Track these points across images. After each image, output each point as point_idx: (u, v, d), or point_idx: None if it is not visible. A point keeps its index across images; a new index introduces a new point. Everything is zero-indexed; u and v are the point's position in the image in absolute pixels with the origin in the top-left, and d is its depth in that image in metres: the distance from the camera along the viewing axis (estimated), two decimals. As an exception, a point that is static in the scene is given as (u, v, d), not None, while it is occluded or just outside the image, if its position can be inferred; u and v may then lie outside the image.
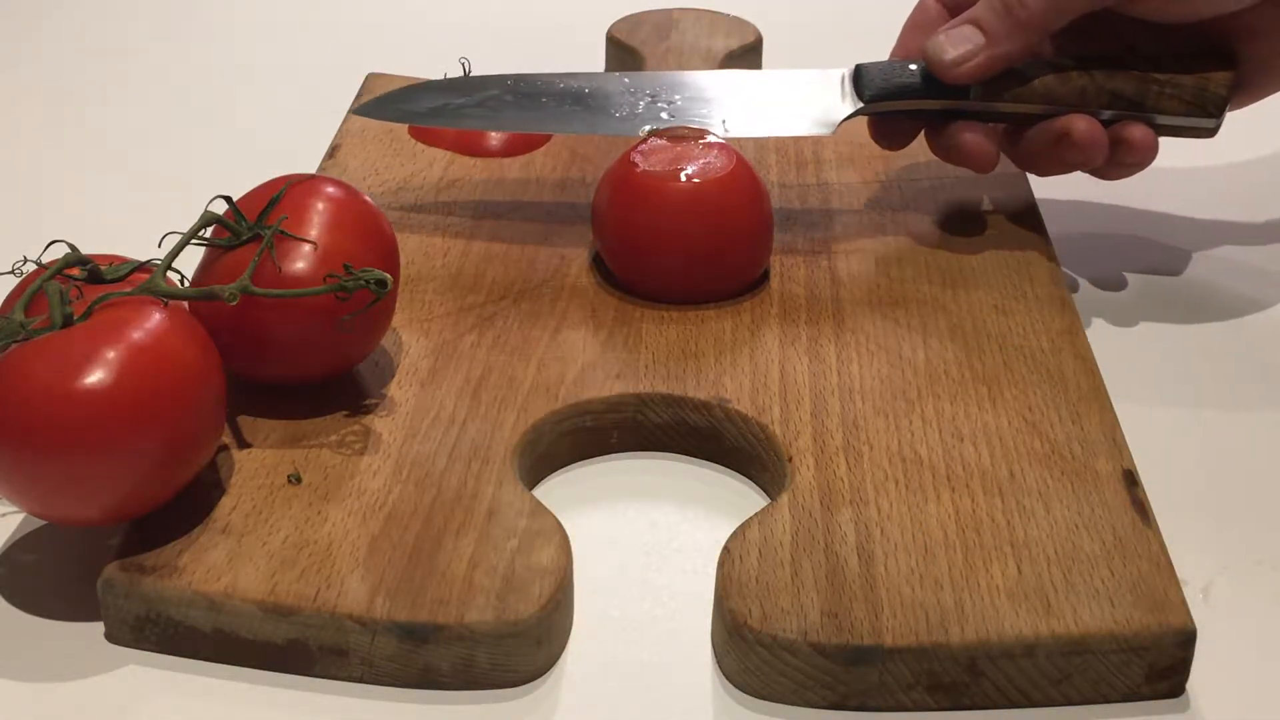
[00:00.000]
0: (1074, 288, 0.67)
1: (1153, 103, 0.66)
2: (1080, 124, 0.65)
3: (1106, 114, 0.66)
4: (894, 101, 0.68)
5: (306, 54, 0.95)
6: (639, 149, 0.66)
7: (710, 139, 0.66)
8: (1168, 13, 0.65)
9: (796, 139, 0.77)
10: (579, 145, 0.76)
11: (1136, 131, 0.66)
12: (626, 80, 0.70)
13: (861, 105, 0.68)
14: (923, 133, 0.70)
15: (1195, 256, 0.74)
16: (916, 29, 0.71)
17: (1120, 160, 0.66)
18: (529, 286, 0.66)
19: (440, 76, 0.80)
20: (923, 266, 0.68)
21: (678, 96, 0.69)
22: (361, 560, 0.51)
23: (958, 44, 0.66)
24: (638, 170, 0.65)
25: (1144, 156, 0.66)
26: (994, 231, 0.70)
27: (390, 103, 0.70)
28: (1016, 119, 0.67)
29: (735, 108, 0.69)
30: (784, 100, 0.69)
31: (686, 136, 0.66)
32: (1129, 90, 0.66)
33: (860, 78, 0.68)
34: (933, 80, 0.67)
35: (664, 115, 0.68)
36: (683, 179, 0.64)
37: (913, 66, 0.67)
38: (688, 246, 0.64)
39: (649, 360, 0.61)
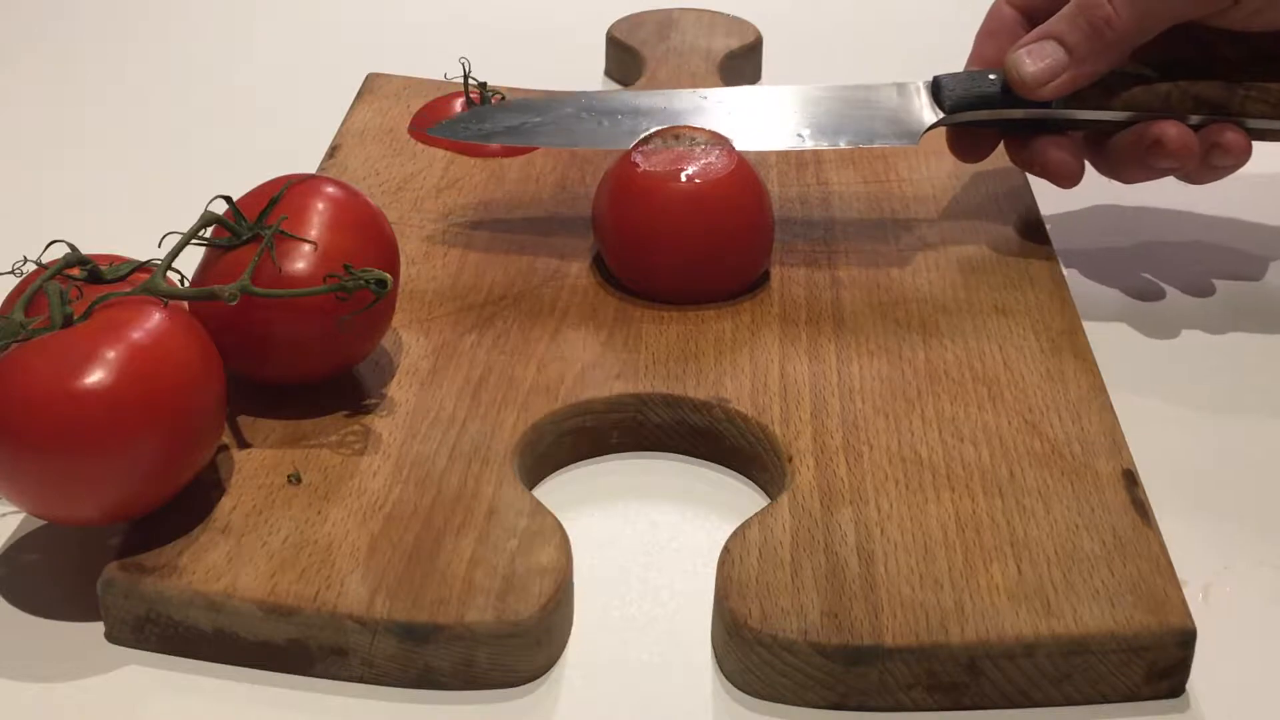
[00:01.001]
0: (1074, 288, 0.67)
1: (1238, 107, 0.65)
2: (1171, 130, 0.65)
3: (1194, 119, 0.65)
4: (975, 111, 0.67)
5: (306, 54, 0.95)
6: (639, 149, 0.65)
7: (705, 140, 0.66)
8: (1251, 23, 0.65)
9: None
10: (579, 145, 0.76)
11: (1230, 135, 0.65)
12: (702, 96, 0.69)
13: (943, 115, 0.67)
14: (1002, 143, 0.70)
15: (1195, 257, 0.74)
16: (992, 36, 0.70)
17: (1213, 164, 0.66)
18: (529, 286, 0.66)
19: (440, 77, 0.81)
20: (923, 266, 0.68)
21: (754, 110, 0.68)
22: (361, 560, 0.51)
23: (1040, 61, 0.65)
24: (638, 171, 0.65)
25: (1239, 159, 0.66)
26: (994, 231, 0.71)
27: (465, 122, 0.70)
28: (1099, 126, 0.67)
29: (813, 120, 0.68)
30: (862, 112, 0.68)
31: (686, 136, 0.66)
32: (1214, 96, 0.65)
33: (939, 88, 0.67)
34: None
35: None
36: (683, 179, 0.64)
37: (992, 76, 0.67)
38: (688, 247, 0.64)
39: (649, 360, 0.61)
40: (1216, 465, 0.61)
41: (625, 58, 0.89)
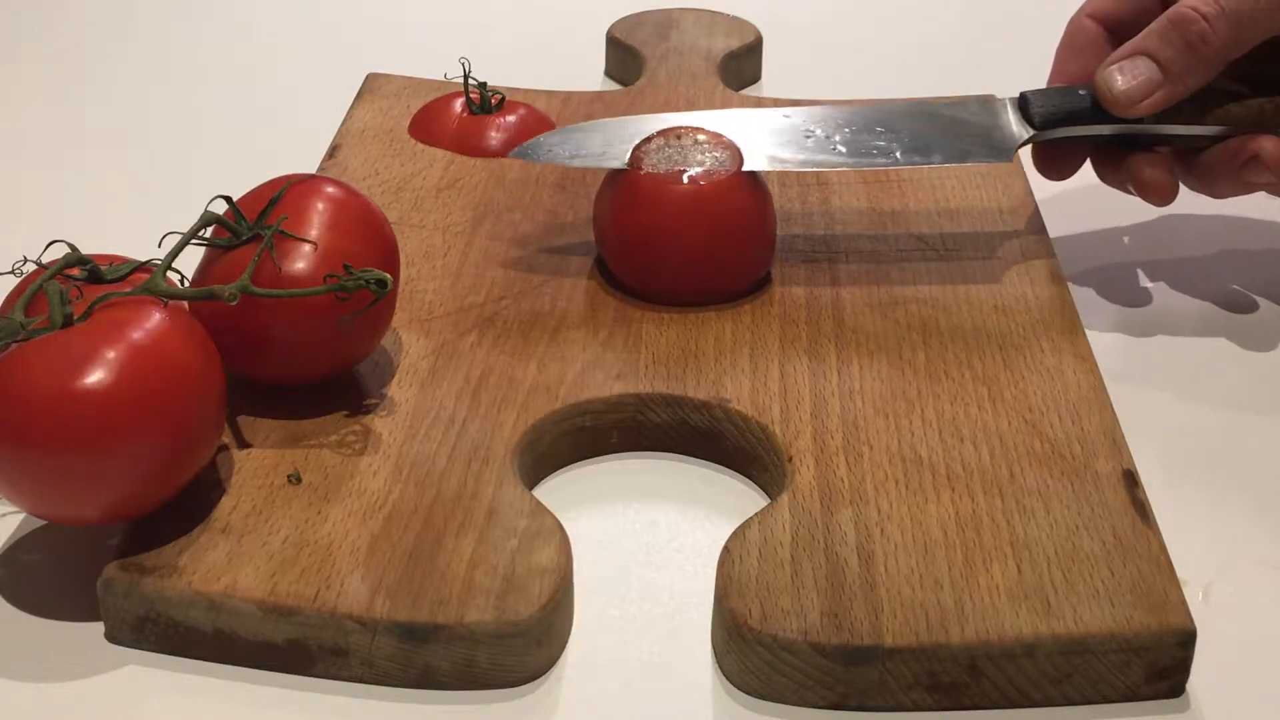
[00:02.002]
0: (1074, 288, 0.67)
1: None
2: (1269, 145, 0.64)
3: None
4: (1065, 128, 0.66)
5: (306, 54, 0.95)
6: (641, 150, 0.65)
7: (707, 140, 0.66)
8: None
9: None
10: (579, 145, 0.76)
11: None
12: (786, 115, 0.68)
13: (1034, 131, 0.66)
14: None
15: (1195, 256, 0.74)
16: (1074, 51, 0.69)
17: None
18: (529, 286, 0.66)
19: (440, 77, 0.81)
20: (923, 266, 0.68)
21: (846, 128, 0.67)
22: (361, 560, 0.51)
23: (1133, 78, 0.64)
24: (641, 173, 0.64)
25: None
26: (994, 232, 0.70)
27: (548, 145, 0.68)
28: (1190, 141, 0.66)
29: (906, 137, 0.67)
30: (950, 130, 0.67)
31: (688, 136, 0.66)
32: None
33: (1027, 104, 0.67)
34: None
35: (840, 149, 0.66)
36: (686, 181, 0.64)
37: (1082, 91, 0.66)
38: (692, 249, 0.64)
39: (649, 360, 0.61)
40: (1216, 465, 0.61)
41: (625, 58, 0.89)
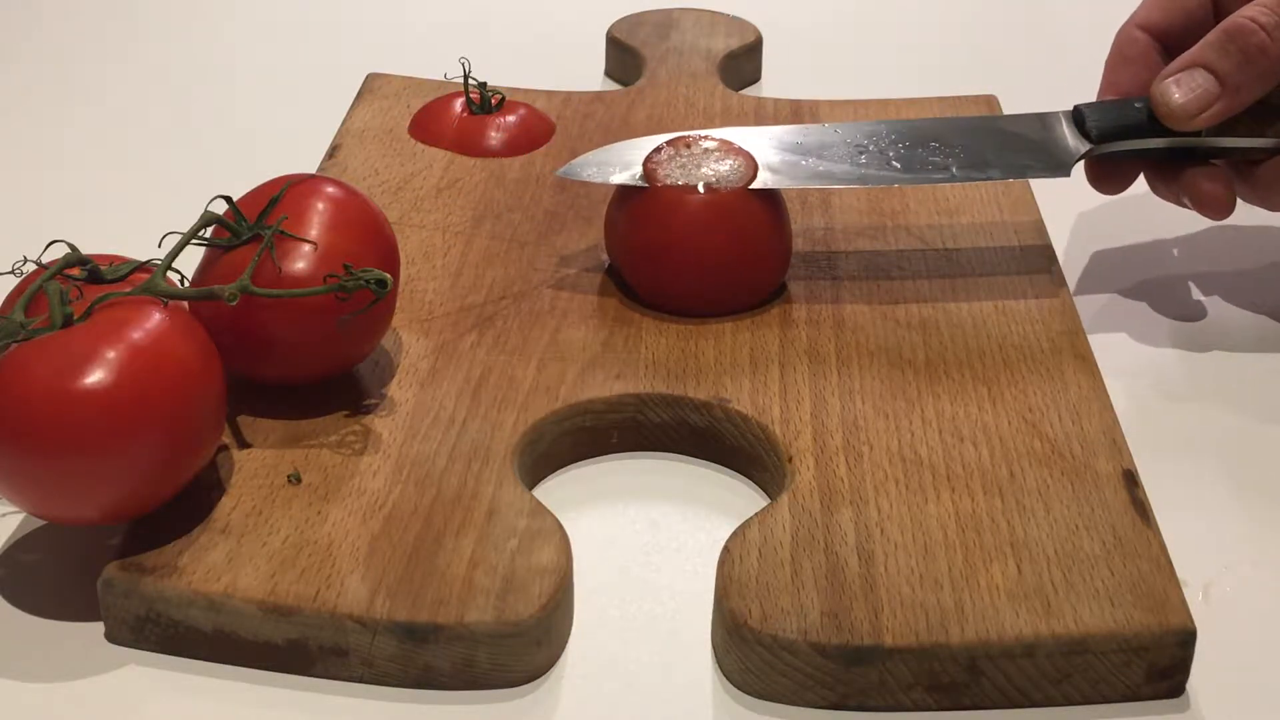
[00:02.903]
0: (1074, 288, 0.67)
1: None
2: None
3: None
4: (1121, 141, 0.65)
5: (306, 54, 0.95)
6: (652, 160, 0.65)
7: (717, 148, 0.65)
8: None
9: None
10: (579, 145, 0.76)
11: None
12: (836, 130, 0.67)
13: (1090, 145, 0.65)
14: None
15: (1195, 257, 0.74)
16: (1125, 62, 0.68)
17: None
18: (529, 286, 0.66)
19: (440, 77, 0.81)
20: (923, 266, 0.68)
21: (900, 144, 0.66)
22: (361, 560, 0.51)
23: (1190, 91, 0.63)
24: (656, 184, 0.63)
25: None
26: (994, 231, 0.70)
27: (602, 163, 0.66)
28: (1247, 154, 0.65)
29: (961, 153, 0.66)
30: (1009, 144, 0.66)
31: (698, 144, 0.65)
32: None
33: (1083, 118, 0.66)
34: None
35: (895, 164, 0.65)
36: (702, 191, 0.63)
37: (1137, 105, 0.65)
38: (708, 261, 0.63)
39: (649, 360, 0.61)
40: (1216, 465, 0.61)
41: (625, 58, 0.89)
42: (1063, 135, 0.66)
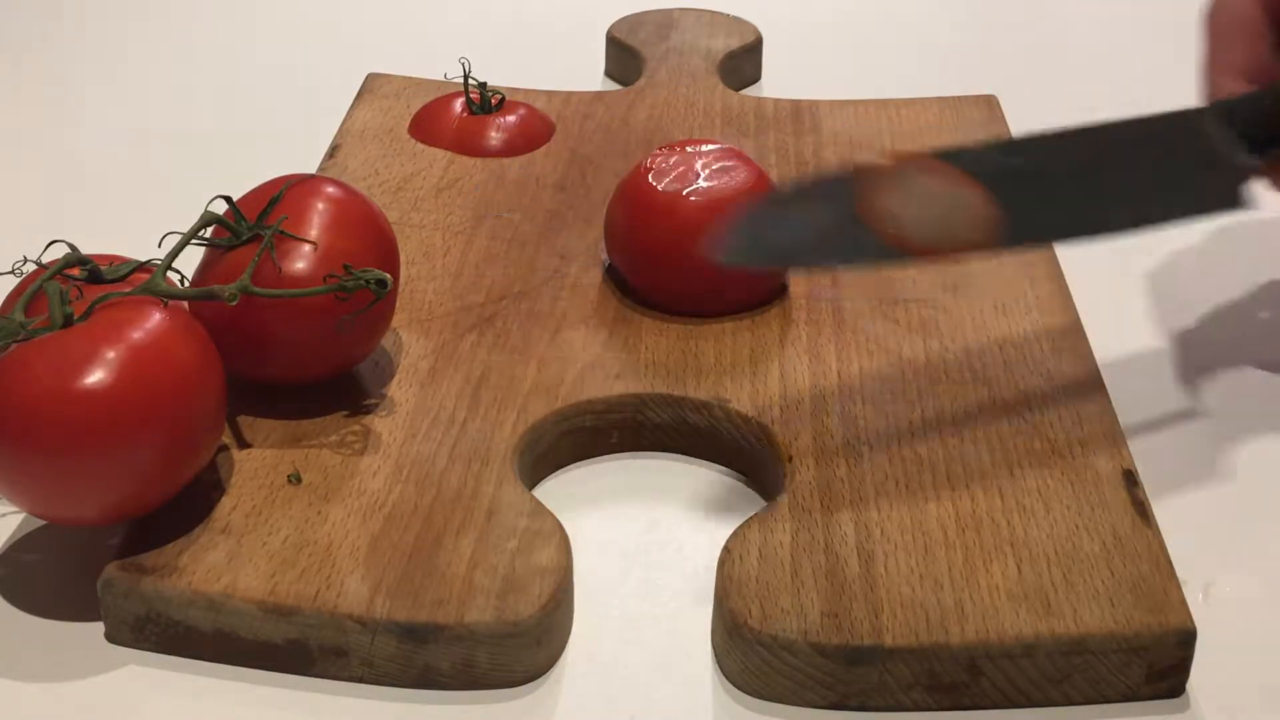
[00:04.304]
0: (1074, 288, 0.67)
1: None
2: None
3: None
4: None
5: (306, 54, 0.95)
6: (652, 165, 0.64)
7: (716, 150, 0.65)
8: None
9: (796, 136, 0.77)
10: (579, 145, 0.76)
11: None
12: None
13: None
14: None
15: (1194, 257, 0.74)
16: (1241, 37, 0.60)
17: None
18: (529, 286, 0.66)
19: (440, 77, 0.81)
20: (923, 267, 0.68)
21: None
22: (361, 560, 0.51)
23: None
24: (657, 189, 0.63)
25: None
26: (994, 231, 0.70)
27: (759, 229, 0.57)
28: None
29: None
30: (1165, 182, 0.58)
31: (696, 147, 0.65)
32: None
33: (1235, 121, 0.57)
34: None
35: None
36: (703, 195, 0.63)
37: None
38: (708, 261, 0.63)
39: (649, 360, 0.61)
40: (1216, 465, 0.61)
41: (625, 58, 0.89)
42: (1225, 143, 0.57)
